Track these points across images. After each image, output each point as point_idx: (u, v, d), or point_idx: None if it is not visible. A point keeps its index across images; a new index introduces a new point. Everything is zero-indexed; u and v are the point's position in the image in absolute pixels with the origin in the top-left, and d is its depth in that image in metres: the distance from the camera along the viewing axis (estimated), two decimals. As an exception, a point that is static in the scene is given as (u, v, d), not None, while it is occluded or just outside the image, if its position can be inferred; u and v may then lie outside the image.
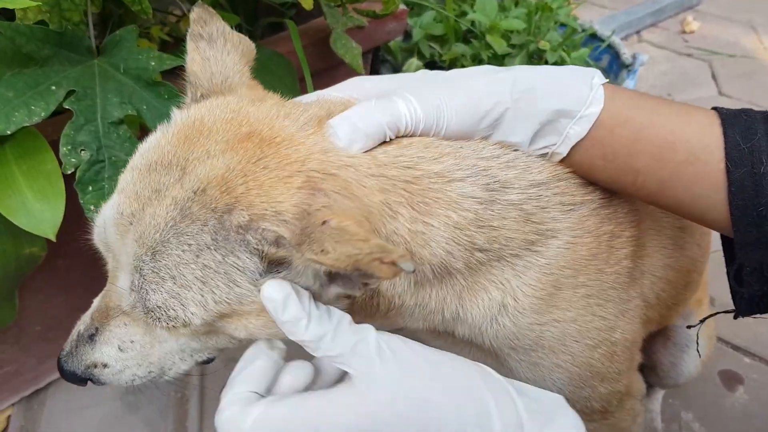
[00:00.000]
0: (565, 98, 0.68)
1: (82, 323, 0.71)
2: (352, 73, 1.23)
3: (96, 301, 0.71)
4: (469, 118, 0.67)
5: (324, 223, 0.53)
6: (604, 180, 0.72)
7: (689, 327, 0.86)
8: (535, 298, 0.72)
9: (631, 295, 0.80)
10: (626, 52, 1.72)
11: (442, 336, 0.80)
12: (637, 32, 2.86)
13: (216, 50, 0.71)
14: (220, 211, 0.57)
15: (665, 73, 2.58)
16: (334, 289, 0.60)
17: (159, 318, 0.60)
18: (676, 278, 0.94)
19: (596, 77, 0.70)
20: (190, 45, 0.71)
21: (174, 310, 0.59)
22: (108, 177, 0.82)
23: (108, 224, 0.63)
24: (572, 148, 0.70)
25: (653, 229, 0.83)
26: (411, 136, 0.68)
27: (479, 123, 0.68)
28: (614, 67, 1.75)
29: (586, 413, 0.85)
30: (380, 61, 1.74)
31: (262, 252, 0.57)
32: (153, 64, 0.87)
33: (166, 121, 0.68)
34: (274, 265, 0.58)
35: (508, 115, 0.68)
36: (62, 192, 0.83)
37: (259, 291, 0.58)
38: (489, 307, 0.71)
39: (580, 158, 0.71)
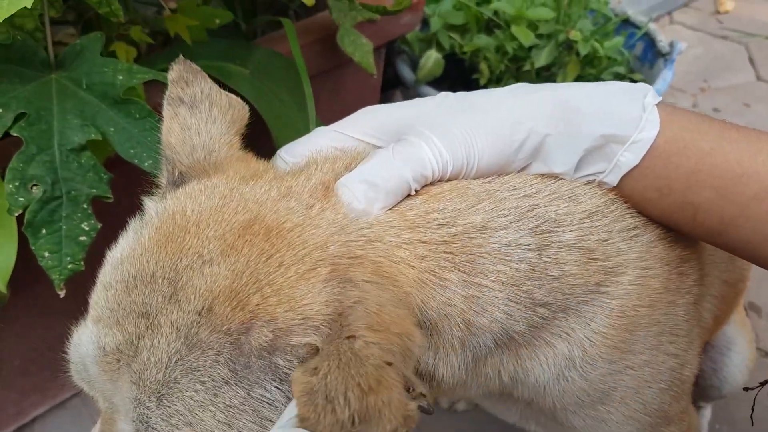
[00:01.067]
0: (614, 121, 0.57)
1: None
2: (361, 72, 1.09)
3: None
4: (503, 151, 0.57)
5: (350, 338, 0.42)
6: (657, 215, 0.62)
7: (746, 390, 0.75)
8: (606, 347, 0.61)
9: (695, 324, 0.71)
10: (663, 40, 1.55)
11: (502, 398, 0.70)
12: (669, 13, 2.68)
13: (199, 118, 0.58)
14: (235, 333, 0.45)
15: (699, 58, 2.41)
16: None
17: None
18: (729, 293, 0.87)
19: (649, 95, 0.59)
20: (167, 111, 0.58)
21: None
22: (66, 216, 0.69)
23: (88, 362, 0.51)
24: (621, 179, 0.60)
25: (707, 248, 0.73)
26: (439, 181, 0.57)
27: (515, 155, 0.57)
28: (649, 55, 1.60)
29: None
30: (396, 53, 1.61)
31: None
32: (121, 78, 0.73)
33: (138, 216, 0.56)
34: None
35: (548, 142, 0.58)
36: (14, 234, 0.70)
37: None
38: (553, 364, 0.60)
39: (630, 191, 0.60)
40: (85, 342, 0.51)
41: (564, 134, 0.57)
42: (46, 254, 0.68)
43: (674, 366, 0.67)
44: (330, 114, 1.03)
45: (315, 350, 0.44)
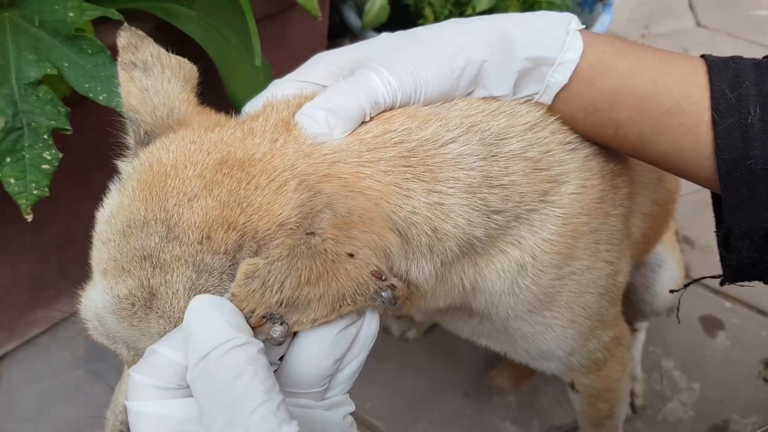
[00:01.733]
0: (542, 45, 0.63)
1: (120, 425, 0.63)
2: (307, 17, 1.13)
3: (118, 397, 0.64)
4: (446, 78, 0.62)
5: (310, 234, 0.48)
6: (585, 132, 0.68)
7: (672, 291, 0.83)
8: (554, 253, 0.67)
9: (625, 235, 0.78)
10: (602, -17, 1.62)
11: (459, 313, 0.77)
12: (613, -41, 2.72)
13: (154, 79, 0.62)
14: (232, 252, 0.51)
15: (643, 4, 2.47)
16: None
17: None
18: (658, 213, 0.94)
19: (573, 22, 0.65)
20: (122, 75, 0.62)
21: None
22: (28, 146, 0.74)
23: (104, 314, 0.54)
24: (552, 101, 0.66)
25: (639, 165, 0.79)
26: (391, 109, 0.62)
27: (457, 82, 0.63)
28: (589, 0, 1.65)
29: (585, 368, 0.84)
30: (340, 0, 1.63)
31: None
32: (72, 15, 0.76)
33: (116, 179, 0.60)
34: None
35: (485, 68, 0.63)
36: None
37: None
38: (508, 270, 0.66)
39: (560, 112, 0.67)
40: (98, 296, 0.54)
41: (499, 60, 0.63)
42: (12, 181, 0.73)
43: (610, 272, 0.74)
44: (277, 59, 1.06)
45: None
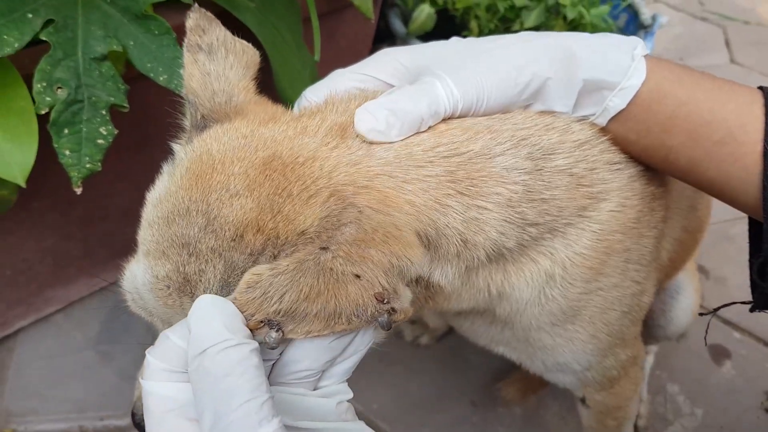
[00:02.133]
0: (606, 68, 0.64)
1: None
2: (356, 19, 1.15)
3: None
4: (509, 91, 0.64)
5: (323, 249, 0.50)
6: (635, 154, 0.69)
7: (701, 314, 0.84)
8: (585, 267, 0.68)
9: (654, 258, 0.79)
10: (646, 12, 1.64)
11: (481, 318, 0.77)
12: (653, -10, 2.77)
13: (217, 64, 0.64)
14: (256, 254, 0.53)
15: (679, 37, 2.51)
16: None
17: None
18: (687, 240, 0.95)
19: (639, 47, 0.66)
20: (187, 57, 0.64)
21: None
22: (86, 119, 0.75)
23: (143, 291, 0.58)
24: (607, 122, 0.67)
25: (676, 190, 0.81)
26: (449, 118, 0.63)
27: (519, 96, 0.64)
28: (631, 27, 1.67)
29: (599, 384, 0.85)
30: (388, 5, 1.65)
31: None
32: (143, -5, 0.78)
33: (170, 160, 0.61)
34: None
35: (548, 85, 0.65)
36: (35, 132, 0.76)
37: None
38: (536, 280, 0.67)
39: (614, 132, 0.68)
40: (139, 273, 0.58)
41: (562, 79, 0.64)
42: (67, 152, 0.74)
43: (636, 292, 0.75)
44: (323, 57, 1.08)
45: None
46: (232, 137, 0.59)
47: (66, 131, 0.74)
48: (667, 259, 0.90)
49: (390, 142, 0.59)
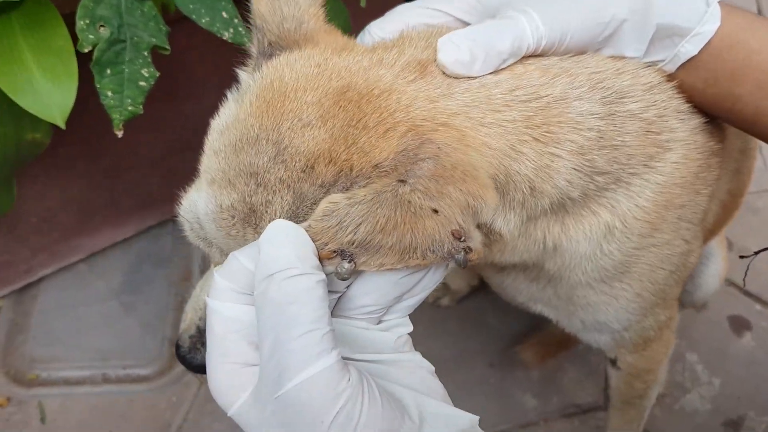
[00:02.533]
0: (681, 13, 0.62)
1: (199, 320, 0.66)
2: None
3: (200, 294, 0.66)
4: (592, 30, 0.62)
5: (401, 181, 0.48)
6: (701, 103, 0.68)
7: (742, 257, 0.84)
8: (644, 221, 0.67)
9: (703, 219, 0.78)
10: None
11: (524, 273, 0.77)
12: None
13: None
14: (327, 185, 0.51)
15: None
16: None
17: None
18: (729, 203, 0.94)
19: None
20: None
21: None
22: (129, 60, 0.74)
23: (204, 220, 0.57)
24: (676, 69, 0.66)
25: (726, 150, 0.79)
26: (532, 55, 0.62)
27: (597, 37, 0.62)
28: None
29: (633, 345, 0.85)
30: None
31: None
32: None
33: (234, 89, 0.60)
34: None
35: (624, 28, 0.63)
36: (75, 73, 0.75)
37: None
38: (596, 233, 0.66)
39: (680, 79, 0.66)
40: (202, 202, 0.56)
41: (637, 22, 0.63)
42: (109, 93, 0.73)
43: (684, 251, 0.74)
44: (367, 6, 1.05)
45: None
46: (305, 65, 0.57)
47: (108, 71, 0.73)
48: (711, 222, 0.89)
49: (471, 78, 0.58)
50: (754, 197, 1.55)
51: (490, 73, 0.58)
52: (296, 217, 0.52)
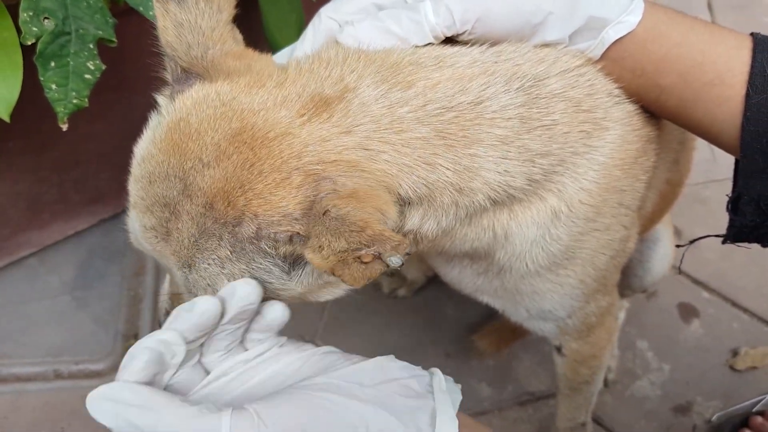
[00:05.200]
0: (606, 5, 0.65)
1: (166, 303, 0.72)
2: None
3: (167, 285, 0.72)
4: (512, 20, 0.65)
5: (325, 213, 0.53)
6: (629, 93, 0.71)
7: (678, 246, 0.87)
8: (588, 205, 0.69)
9: (641, 206, 0.81)
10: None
11: (471, 266, 0.79)
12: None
13: (188, 12, 0.62)
14: (230, 225, 0.57)
15: (664, -1, 2.50)
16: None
17: None
18: (668, 193, 0.98)
19: None
20: (158, 10, 0.62)
21: None
22: (74, 53, 0.73)
23: (138, 236, 0.63)
24: (602, 59, 0.68)
25: (664, 140, 0.82)
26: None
27: (523, 26, 0.65)
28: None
29: (577, 332, 0.87)
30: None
31: (280, 253, 0.58)
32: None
33: (155, 113, 0.64)
34: (300, 259, 0.59)
35: (549, 19, 0.65)
36: (19, 65, 0.74)
37: (291, 280, 0.60)
38: (543, 218, 0.68)
39: (609, 70, 0.69)
40: (132, 221, 0.63)
41: (563, 14, 0.65)
42: (54, 87, 0.72)
43: (623, 237, 0.77)
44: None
45: (293, 235, 0.55)
46: (210, 104, 0.60)
47: (53, 64, 0.72)
48: (649, 210, 0.91)
49: (375, 105, 0.60)
50: (701, 188, 1.59)
51: (401, 90, 0.61)
52: (203, 249, 0.58)
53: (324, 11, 0.68)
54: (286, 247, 0.57)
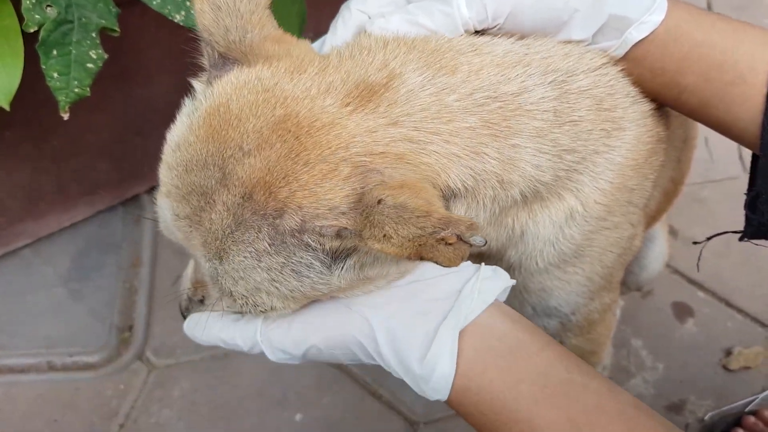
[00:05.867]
0: (630, 5, 0.65)
1: (188, 289, 0.71)
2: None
3: (190, 271, 0.71)
4: (541, 15, 0.65)
5: (380, 202, 0.50)
6: (649, 92, 0.71)
7: (695, 243, 0.87)
8: (601, 205, 0.69)
9: (647, 204, 0.81)
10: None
11: (483, 260, 0.78)
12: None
13: None
14: (270, 217, 0.55)
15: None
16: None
17: (245, 305, 0.60)
18: (671, 191, 0.98)
19: None
20: None
21: (256, 298, 0.59)
22: (76, 41, 0.72)
23: (170, 224, 0.61)
24: (624, 59, 0.68)
25: (670, 138, 0.82)
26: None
27: (550, 22, 0.66)
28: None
29: (579, 328, 0.87)
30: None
31: (325, 248, 0.56)
32: None
33: (190, 98, 0.62)
34: (341, 253, 0.57)
35: (575, 17, 0.66)
36: (20, 53, 0.73)
37: (332, 275, 0.58)
38: (559, 217, 0.68)
39: (629, 69, 0.69)
40: (164, 210, 0.61)
41: (588, 12, 0.65)
42: (55, 75, 0.72)
43: (630, 235, 0.77)
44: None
45: (340, 229, 0.53)
46: (252, 90, 0.58)
47: (55, 52, 0.72)
48: (653, 209, 0.92)
49: (423, 91, 0.59)
50: (699, 188, 1.60)
51: (446, 75, 0.60)
52: (239, 241, 0.56)
53: (353, 4, 0.67)
54: (332, 242, 0.55)
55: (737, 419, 1.27)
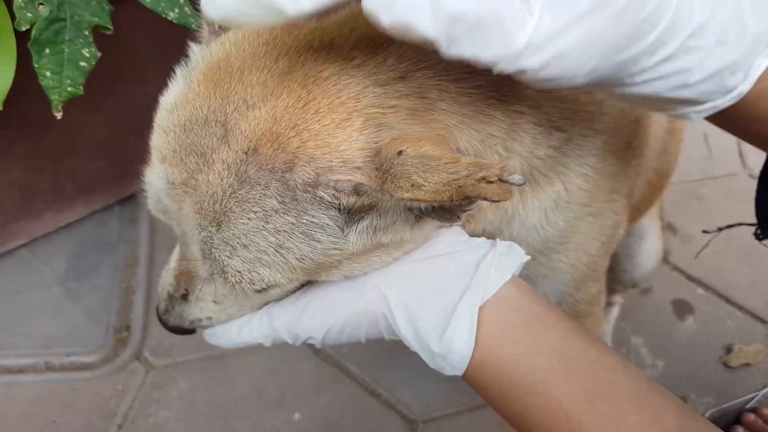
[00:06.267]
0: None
1: (168, 285, 0.66)
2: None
3: (174, 261, 0.66)
4: None
5: (400, 153, 0.48)
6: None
7: (705, 232, 0.85)
8: (584, 190, 0.68)
9: (630, 193, 0.80)
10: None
11: None
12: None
13: None
14: (279, 171, 0.51)
15: None
16: (429, 224, 0.56)
17: (239, 282, 0.56)
18: (656, 183, 0.97)
19: None
20: None
21: (253, 274, 0.55)
22: (69, 40, 0.72)
23: (161, 194, 0.57)
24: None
25: (651, 128, 0.81)
26: None
27: None
28: None
29: None
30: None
31: (340, 204, 0.52)
32: None
33: (184, 63, 0.58)
34: (355, 213, 0.53)
35: None
36: (13, 51, 0.72)
37: (345, 237, 0.54)
38: (546, 201, 0.67)
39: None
40: (156, 178, 0.57)
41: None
42: (48, 74, 0.71)
43: (614, 223, 0.76)
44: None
45: (357, 186, 0.51)
46: (253, 44, 0.56)
47: (47, 51, 0.71)
48: (637, 199, 0.91)
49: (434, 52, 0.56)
50: (698, 184, 1.59)
51: None
52: (242, 201, 0.52)
53: None
54: (349, 198, 0.51)
55: (737, 416, 1.27)
